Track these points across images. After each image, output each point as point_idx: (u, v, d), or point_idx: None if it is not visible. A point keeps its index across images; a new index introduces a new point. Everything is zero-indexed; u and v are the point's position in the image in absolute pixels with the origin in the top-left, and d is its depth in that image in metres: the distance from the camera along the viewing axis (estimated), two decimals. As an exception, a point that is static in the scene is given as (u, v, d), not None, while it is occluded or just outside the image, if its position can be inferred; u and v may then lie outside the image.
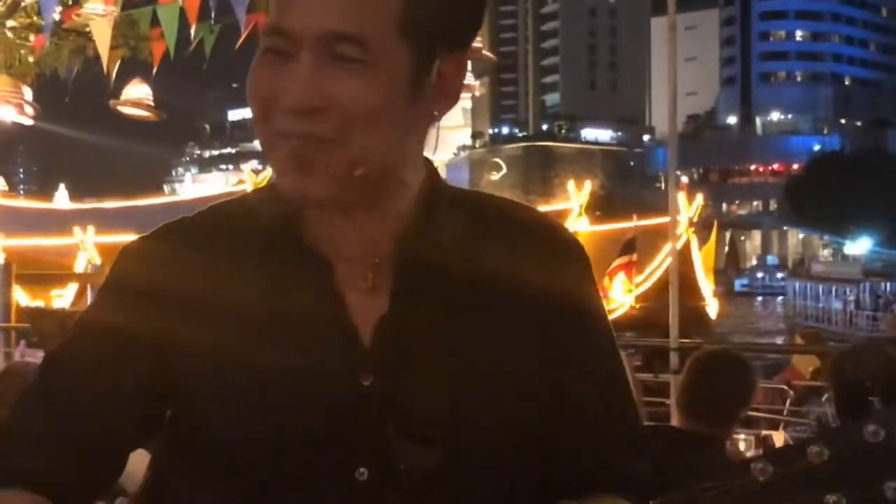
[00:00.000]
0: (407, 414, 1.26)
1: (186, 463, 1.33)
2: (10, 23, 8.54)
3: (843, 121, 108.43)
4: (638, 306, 18.32)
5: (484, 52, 8.77)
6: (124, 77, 9.31)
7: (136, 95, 8.88)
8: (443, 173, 1.48)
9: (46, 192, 27.46)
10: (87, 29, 8.15)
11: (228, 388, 1.28)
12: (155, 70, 9.08)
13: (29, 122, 7.99)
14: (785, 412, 8.66)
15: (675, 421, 4.72)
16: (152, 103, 9.01)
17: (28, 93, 8.30)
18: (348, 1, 1.22)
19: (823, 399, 9.00)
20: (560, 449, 1.36)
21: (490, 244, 1.35)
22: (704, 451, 3.73)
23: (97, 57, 8.22)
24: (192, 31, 8.52)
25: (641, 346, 8.30)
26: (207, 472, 1.30)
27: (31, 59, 8.55)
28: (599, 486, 1.36)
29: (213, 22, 9.65)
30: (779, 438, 5.19)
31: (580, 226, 20.55)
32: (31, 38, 8.37)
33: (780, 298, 58.31)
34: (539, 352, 1.33)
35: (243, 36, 8.78)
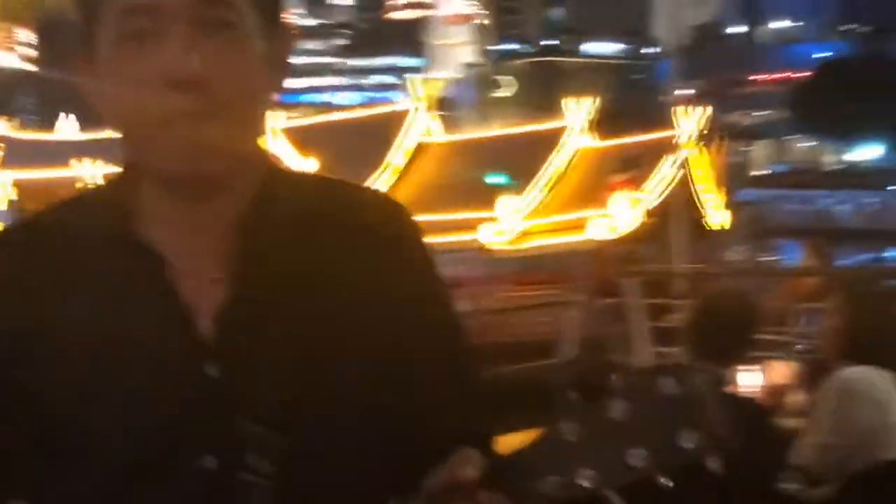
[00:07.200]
0: (253, 401, 1.27)
1: (40, 455, 1.33)
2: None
3: (848, 27, 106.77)
4: (646, 221, 18.32)
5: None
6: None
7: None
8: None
9: (51, 122, 27.10)
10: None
11: (78, 385, 1.30)
12: None
13: (29, 66, 8.00)
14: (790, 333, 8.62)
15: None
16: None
17: (28, 36, 8.31)
18: None
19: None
20: (410, 419, 1.35)
21: (327, 231, 1.36)
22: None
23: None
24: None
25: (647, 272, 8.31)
26: (61, 465, 1.32)
27: None
28: (454, 447, 1.28)
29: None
30: (780, 369, 5.20)
31: (582, 143, 20.35)
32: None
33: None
34: (378, 332, 1.33)
35: None
